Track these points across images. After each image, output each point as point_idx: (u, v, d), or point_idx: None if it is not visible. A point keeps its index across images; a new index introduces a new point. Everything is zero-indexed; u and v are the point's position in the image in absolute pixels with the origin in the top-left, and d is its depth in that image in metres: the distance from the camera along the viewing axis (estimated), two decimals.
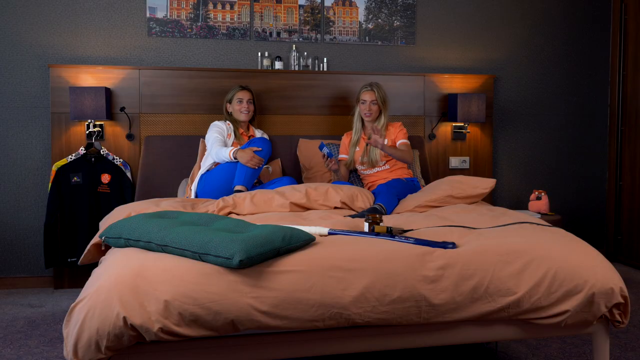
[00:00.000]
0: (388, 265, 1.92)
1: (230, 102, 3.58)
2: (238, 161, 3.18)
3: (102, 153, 3.72)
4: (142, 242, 1.96)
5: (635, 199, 4.34)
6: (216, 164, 3.35)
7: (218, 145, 3.33)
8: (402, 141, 3.51)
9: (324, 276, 1.86)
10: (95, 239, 2.50)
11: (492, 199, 4.35)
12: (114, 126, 3.83)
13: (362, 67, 4.22)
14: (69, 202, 3.65)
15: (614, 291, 2.01)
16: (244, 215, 2.71)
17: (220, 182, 3.25)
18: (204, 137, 3.60)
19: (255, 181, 3.42)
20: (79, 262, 2.67)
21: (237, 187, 3.12)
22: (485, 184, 2.99)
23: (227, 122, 3.55)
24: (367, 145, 3.49)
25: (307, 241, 2.00)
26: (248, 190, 3.12)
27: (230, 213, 2.73)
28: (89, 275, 2.05)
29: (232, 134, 3.49)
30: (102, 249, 2.43)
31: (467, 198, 2.96)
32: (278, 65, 4.02)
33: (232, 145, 3.43)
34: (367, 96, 3.50)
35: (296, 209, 2.81)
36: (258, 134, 3.67)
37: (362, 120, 3.60)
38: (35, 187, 3.83)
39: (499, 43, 4.41)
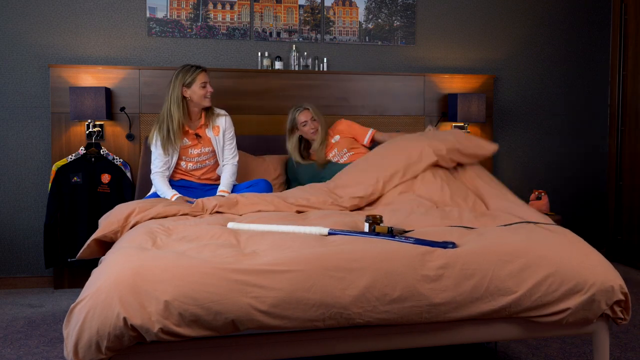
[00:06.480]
0: (388, 264, 1.92)
1: (188, 86, 3.13)
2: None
3: (102, 153, 3.72)
4: None
5: (635, 199, 4.34)
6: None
7: (160, 179, 3.20)
8: (376, 135, 3.65)
9: (324, 276, 1.86)
10: (96, 234, 2.50)
11: None
12: (114, 126, 3.83)
13: (362, 67, 4.22)
14: (69, 202, 3.65)
15: (614, 289, 2.02)
16: (240, 215, 2.71)
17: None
18: None
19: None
20: (76, 256, 2.65)
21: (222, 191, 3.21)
22: (490, 147, 3.09)
23: (158, 136, 3.16)
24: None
25: None
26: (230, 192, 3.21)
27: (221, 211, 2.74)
28: (89, 275, 2.05)
29: (170, 148, 3.15)
30: (101, 245, 2.42)
31: (471, 157, 3.05)
32: (278, 65, 4.01)
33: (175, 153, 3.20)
34: (303, 116, 3.50)
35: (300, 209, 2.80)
36: (220, 121, 3.29)
37: (302, 144, 3.60)
38: (35, 187, 3.83)
39: (499, 43, 4.41)
